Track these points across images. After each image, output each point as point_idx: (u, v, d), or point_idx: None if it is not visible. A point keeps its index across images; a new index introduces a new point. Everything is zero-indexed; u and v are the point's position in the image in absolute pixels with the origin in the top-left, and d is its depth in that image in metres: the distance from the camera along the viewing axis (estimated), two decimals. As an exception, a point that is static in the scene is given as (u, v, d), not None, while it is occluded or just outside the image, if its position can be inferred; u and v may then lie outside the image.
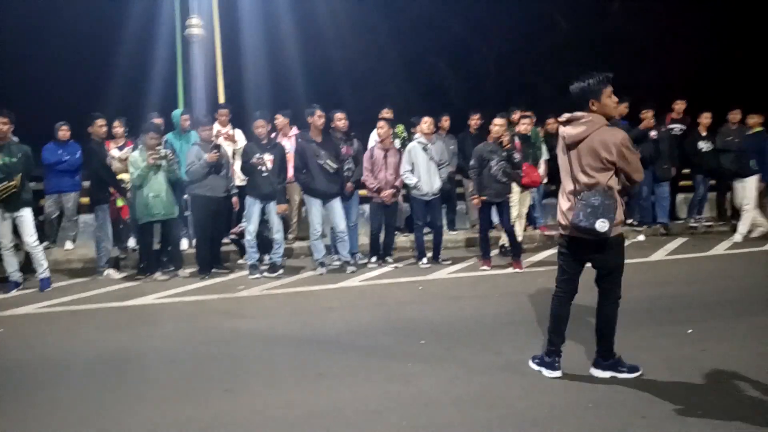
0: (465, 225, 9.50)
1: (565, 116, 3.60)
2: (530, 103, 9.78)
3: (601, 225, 3.39)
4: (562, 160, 3.68)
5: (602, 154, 3.43)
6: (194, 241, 7.74)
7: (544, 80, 17.31)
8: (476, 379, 3.77)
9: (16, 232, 6.58)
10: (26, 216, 6.49)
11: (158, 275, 6.90)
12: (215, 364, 4.19)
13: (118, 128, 7.90)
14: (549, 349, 3.80)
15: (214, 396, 3.63)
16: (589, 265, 3.79)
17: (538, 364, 3.84)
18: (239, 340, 4.73)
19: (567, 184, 3.65)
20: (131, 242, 7.87)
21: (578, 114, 3.54)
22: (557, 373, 3.74)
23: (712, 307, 5.22)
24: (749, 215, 8.40)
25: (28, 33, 12.23)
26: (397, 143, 8.02)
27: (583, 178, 3.52)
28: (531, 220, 8.79)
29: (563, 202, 3.69)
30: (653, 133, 8.78)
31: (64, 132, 7.96)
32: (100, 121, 7.07)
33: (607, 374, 3.70)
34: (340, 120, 7.27)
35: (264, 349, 4.48)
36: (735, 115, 8.88)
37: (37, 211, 7.44)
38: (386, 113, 8.37)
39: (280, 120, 7.91)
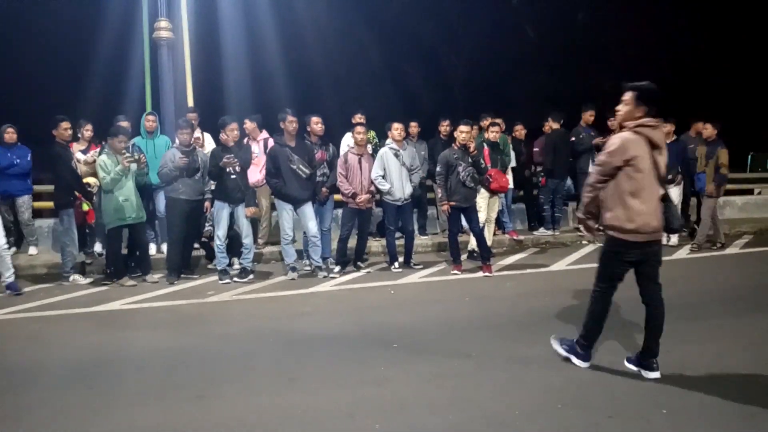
0: (435, 230, 9.59)
1: (655, 121, 3.70)
2: (498, 109, 9.94)
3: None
4: (647, 164, 3.67)
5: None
6: (163, 246, 7.69)
7: (512, 87, 17.63)
8: (449, 382, 3.82)
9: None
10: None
11: (126, 280, 6.79)
12: (186, 369, 4.15)
13: (85, 131, 7.80)
14: (584, 343, 4.01)
15: (186, 401, 3.60)
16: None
17: (568, 350, 4.08)
18: (210, 346, 4.69)
19: (651, 189, 3.70)
20: (97, 247, 7.72)
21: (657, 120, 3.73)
22: (587, 364, 4.00)
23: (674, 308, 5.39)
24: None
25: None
26: (369, 149, 8.06)
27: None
28: (500, 224, 8.92)
29: (640, 207, 3.65)
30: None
31: (10, 135, 7.69)
32: (65, 124, 6.91)
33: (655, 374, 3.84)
34: (317, 124, 7.27)
35: (236, 355, 4.46)
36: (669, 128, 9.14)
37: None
38: (358, 118, 8.40)
39: (249, 125, 7.88)
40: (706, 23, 17.88)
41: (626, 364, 3.97)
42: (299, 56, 15.22)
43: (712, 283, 6.67)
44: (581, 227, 4.19)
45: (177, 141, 6.99)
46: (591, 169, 3.83)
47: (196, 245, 7.60)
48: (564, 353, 4.09)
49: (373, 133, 8.63)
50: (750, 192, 12.70)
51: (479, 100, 15.65)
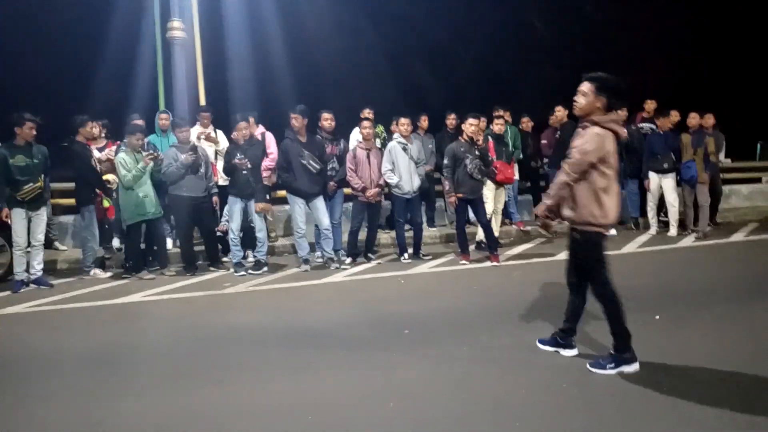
0: (444, 221, 9.75)
1: (618, 116, 3.79)
2: (505, 102, 10.04)
3: None
4: (615, 159, 3.73)
5: None
6: (178, 241, 7.92)
7: (519, 80, 17.68)
8: (457, 366, 3.97)
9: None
10: (43, 215, 6.80)
11: (144, 273, 7.02)
12: (204, 357, 4.34)
13: (97, 129, 8.00)
14: (623, 346, 3.77)
15: (204, 387, 3.77)
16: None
17: (616, 365, 3.76)
18: (227, 335, 4.88)
19: (616, 184, 3.75)
20: (115, 242, 7.96)
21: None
22: (637, 365, 3.76)
23: (680, 296, 5.53)
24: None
25: (3, 33, 12.14)
26: (378, 143, 8.22)
27: None
28: (507, 215, 9.06)
29: (612, 202, 3.72)
30: (624, 132, 9.10)
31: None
32: (91, 123, 7.19)
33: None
34: (327, 120, 7.45)
35: (252, 343, 4.64)
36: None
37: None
38: (367, 113, 8.56)
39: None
40: (713, 13, 17.82)
41: (539, 345, 4.18)
42: (307, 53, 15.34)
43: (718, 270, 6.77)
44: (540, 224, 4.13)
45: (176, 139, 7.18)
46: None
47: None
48: (614, 371, 3.74)
49: (381, 128, 8.78)
50: (758, 180, 12.73)
51: (487, 93, 15.69)
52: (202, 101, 8.82)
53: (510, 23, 18.30)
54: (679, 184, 8.87)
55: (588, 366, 3.84)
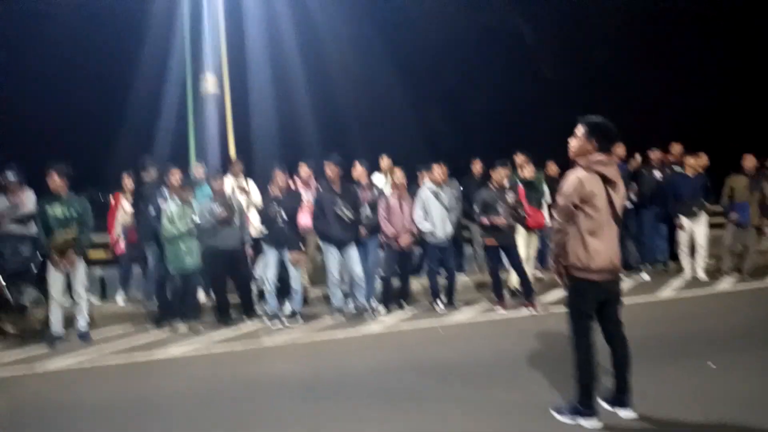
0: (473, 267, 9.69)
1: (605, 157, 3.69)
2: (523, 148, 10.14)
3: None
4: (603, 201, 3.66)
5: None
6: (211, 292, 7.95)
7: (535, 125, 17.94)
8: (513, 418, 3.91)
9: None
10: (79, 268, 6.67)
11: (179, 325, 6.96)
12: (255, 412, 4.29)
13: (127, 181, 8.07)
14: (584, 398, 3.76)
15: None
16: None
17: (571, 416, 3.80)
18: (276, 389, 4.82)
19: (609, 226, 3.69)
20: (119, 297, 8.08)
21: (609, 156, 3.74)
22: (598, 424, 3.72)
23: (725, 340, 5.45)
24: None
25: (35, 81, 12.55)
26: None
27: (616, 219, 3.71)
28: (542, 261, 8.98)
29: (599, 246, 3.64)
30: (658, 174, 9.18)
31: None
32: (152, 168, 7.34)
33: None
34: (356, 169, 7.56)
35: (303, 396, 4.59)
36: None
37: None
38: (385, 160, 8.68)
39: (304, 170, 8.13)
40: (723, 57, 18.13)
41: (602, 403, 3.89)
42: (326, 102, 15.74)
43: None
44: (555, 275, 3.96)
45: (212, 192, 7.24)
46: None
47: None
48: (569, 420, 3.78)
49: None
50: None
51: (500, 140, 15.90)
52: (233, 152, 8.96)
53: (521, 71, 18.71)
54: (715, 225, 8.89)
55: (550, 408, 3.91)
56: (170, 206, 6.88)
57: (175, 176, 6.99)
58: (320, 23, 14.02)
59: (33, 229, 8.02)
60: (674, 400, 4.06)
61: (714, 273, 8.81)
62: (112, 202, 8.09)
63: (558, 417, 3.85)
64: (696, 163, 8.76)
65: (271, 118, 12.94)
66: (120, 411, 4.47)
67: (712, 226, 8.97)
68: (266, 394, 4.69)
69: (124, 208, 7.86)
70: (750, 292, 7.91)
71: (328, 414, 4.16)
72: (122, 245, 8.06)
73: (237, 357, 5.87)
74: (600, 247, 3.66)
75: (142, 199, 7.63)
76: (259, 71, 10.53)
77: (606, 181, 3.67)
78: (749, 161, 8.81)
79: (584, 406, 3.75)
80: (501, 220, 7.26)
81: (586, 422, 3.72)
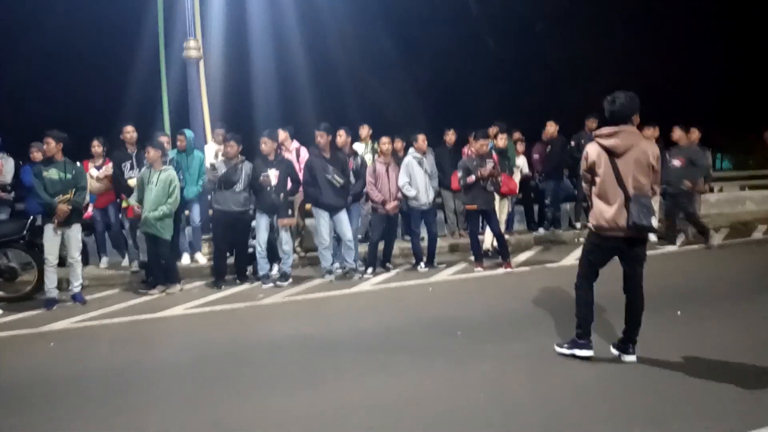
0: (444, 232, 10.18)
1: (610, 129, 4.16)
2: (464, 120, 10.54)
3: (655, 222, 4.06)
4: (605, 169, 4.15)
5: (651, 161, 4.12)
6: (197, 255, 8.27)
7: (476, 99, 18.55)
8: (509, 367, 4.32)
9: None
10: (75, 231, 6.77)
11: (174, 287, 7.16)
12: (258, 365, 4.59)
13: (97, 148, 8.11)
14: (580, 332, 4.38)
15: (297, 390, 4.06)
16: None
17: (569, 348, 4.43)
18: (277, 343, 5.12)
19: (612, 191, 4.16)
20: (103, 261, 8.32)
21: (624, 127, 4.14)
22: (590, 352, 4.35)
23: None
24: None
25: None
26: (369, 158, 8.62)
27: (633, 183, 4.11)
28: (509, 225, 9.57)
29: (605, 207, 4.20)
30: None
31: (35, 154, 8.05)
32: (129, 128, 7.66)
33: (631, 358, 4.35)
34: (340, 137, 7.82)
35: (302, 350, 4.90)
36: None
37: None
38: (365, 129, 9.07)
39: (282, 135, 8.28)
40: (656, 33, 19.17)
41: (611, 349, 4.44)
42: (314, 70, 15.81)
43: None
44: None
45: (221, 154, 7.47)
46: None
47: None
48: (567, 351, 4.42)
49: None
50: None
51: (442, 111, 16.38)
52: (207, 119, 8.94)
53: (464, 42, 19.21)
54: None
55: (555, 345, 4.54)
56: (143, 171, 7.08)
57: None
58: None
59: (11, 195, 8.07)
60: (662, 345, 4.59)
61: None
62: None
63: (558, 350, 4.49)
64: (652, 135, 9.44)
65: (263, 84, 12.93)
66: (125, 368, 4.69)
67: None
68: (267, 349, 4.95)
69: (90, 174, 7.87)
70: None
71: (329, 366, 4.47)
72: (90, 210, 8.13)
73: (241, 315, 6.15)
74: (605, 207, 4.18)
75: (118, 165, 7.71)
76: (252, 39, 10.47)
77: (608, 151, 4.16)
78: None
79: (581, 339, 4.39)
80: (487, 170, 7.71)
81: (580, 352, 4.37)
